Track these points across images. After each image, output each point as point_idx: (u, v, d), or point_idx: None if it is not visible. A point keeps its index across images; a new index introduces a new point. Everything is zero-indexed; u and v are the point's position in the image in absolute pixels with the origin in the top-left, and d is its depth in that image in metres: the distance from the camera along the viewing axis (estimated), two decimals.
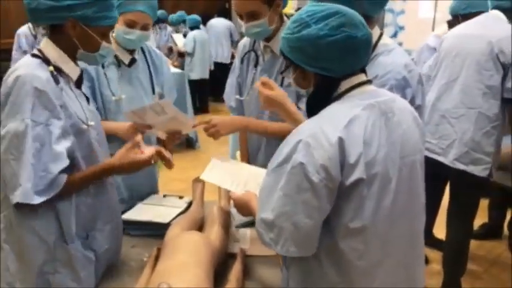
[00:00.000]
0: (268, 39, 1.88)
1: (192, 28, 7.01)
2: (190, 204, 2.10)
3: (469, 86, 2.48)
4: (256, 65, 1.90)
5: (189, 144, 5.66)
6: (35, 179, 1.33)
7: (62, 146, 1.38)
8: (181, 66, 6.94)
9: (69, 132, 1.42)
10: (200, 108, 7.27)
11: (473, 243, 3.07)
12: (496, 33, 2.45)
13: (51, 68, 1.43)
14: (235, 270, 1.55)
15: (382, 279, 1.22)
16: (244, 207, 1.49)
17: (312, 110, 1.27)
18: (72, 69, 1.51)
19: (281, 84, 1.80)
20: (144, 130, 1.87)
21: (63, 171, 1.39)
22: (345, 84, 1.24)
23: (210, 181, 1.80)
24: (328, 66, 1.21)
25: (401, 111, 1.26)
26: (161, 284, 1.25)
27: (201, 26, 7.21)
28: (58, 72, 1.45)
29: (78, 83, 1.56)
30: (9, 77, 1.39)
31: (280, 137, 1.70)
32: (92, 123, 1.51)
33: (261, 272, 1.64)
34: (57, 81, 1.42)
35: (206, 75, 7.15)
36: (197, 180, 2.15)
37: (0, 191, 1.45)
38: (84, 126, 1.48)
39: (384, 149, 1.17)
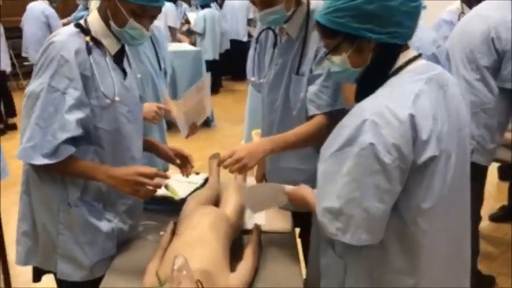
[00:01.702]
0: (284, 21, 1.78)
1: (202, 6, 6.86)
2: (206, 180, 2.11)
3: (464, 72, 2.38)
4: (274, 45, 1.81)
5: (204, 122, 5.66)
6: (42, 141, 1.38)
7: (74, 116, 1.40)
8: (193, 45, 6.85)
9: (85, 104, 1.43)
10: (211, 89, 7.22)
11: (491, 226, 3.04)
12: (497, 17, 2.32)
13: (88, 38, 1.46)
14: (251, 246, 1.55)
15: (441, 257, 1.19)
16: (299, 200, 1.44)
17: (366, 88, 1.20)
18: (111, 43, 1.52)
19: (297, 72, 1.72)
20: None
21: (74, 141, 1.41)
22: (402, 58, 1.18)
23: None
24: (397, 31, 1.14)
25: (452, 83, 1.21)
26: (177, 256, 1.25)
27: (214, 4, 7.06)
28: (95, 44, 1.48)
29: (118, 58, 1.57)
30: (46, 42, 1.44)
31: (307, 144, 1.68)
32: (118, 98, 1.50)
33: (276, 249, 1.64)
34: (89, 52, 1.44)
35: (217, 56, 7.03)
36: (214, 156, 2.15)
37: None
38: (108, 101, 1.48)
39: (446, 124, 1.13)
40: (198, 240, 1.44)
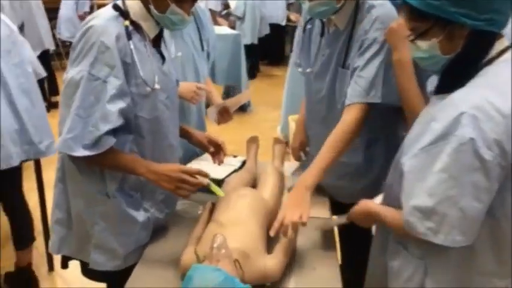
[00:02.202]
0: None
1: None
2: (243, 163, 2.12)
3: None
4: (322, 33, 1.74)
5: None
6: (82, 132, 1.33)
7: (116, 107, 1.35)
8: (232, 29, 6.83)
9: (126, 93, 1.38)
10: (248, 73, 7.22)
11: None
12: None
13: (127, 22, 1.39)
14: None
15: None
16: (365, 215, 1.37)
17: (453, 78, 1.12)
18: (150, 27, 1.46)
19: (343, 65, 1.66)
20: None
21: (114, 131, 1.36)
22: (497, 46, 1.10)
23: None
24: (494, 18, 1.06)
25: None
26: (217, 235, 1.26)
27: None
28: (135, 28, 1.42)
29: (156, 42, 1.52)
30: (85, 25, 1.39)
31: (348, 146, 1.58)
32: (158, 86, 1.46)
33: (312, 233, 1.63)
34: (129, 37, 1.38)
35: (255, 40, 6.98)
36: (251, 140, 2.16)
37: None
38: (148, 89, 1.44)
39: None
40: (236, 221, 1.45)
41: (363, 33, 1.60)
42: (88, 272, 1.57)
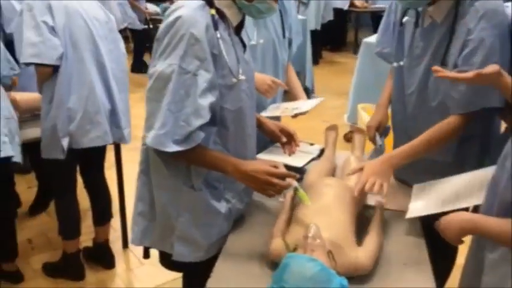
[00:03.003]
0: (428, 3, 1.60)
1: None
2: (321, 151, 2.09)
3: None
4: (416, 24, 1.66)
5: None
6: (173, 127, 1.30)
7: (207, 101, 1.32)
8: None
9: (215, 86, 1.35)
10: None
11: None
12: None
13: (213, 11, 1.36)
14: (375, 223, 1.51)
15: None
16: (459, 228, 1.26)
17: None
18: (233, 15, 1.43)
19: (442, 62, 1.56)
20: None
21: (202, 125, 1.34)
22: None
23: (418, 215, 1.56)
24: None
25: None
26: (310, 224, 1.25)
27: None
28: (219, 16, 1.38)
29: (238, 30, 1.49)
30: (170, 15, 1.34)
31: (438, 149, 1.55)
32: (243, 77, 1.44)
33: (398, 227, 1.59)
34: (216, 27, 1.34)
35: (319, 26, 6.87)
36: (330, 128, 2.13)
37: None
38: (234, 80, 1.41)
39: None
40: (324, 210, 1.43)
41: (465, 31, 1.49)
42: (166, 262, 1.59)
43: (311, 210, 1.44)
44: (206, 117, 1.33)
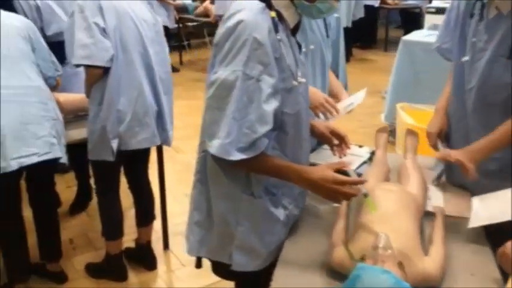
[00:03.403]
0: None
1: None
2: (371, 153, 2.04)
3: None
4: (481, 17, 1.58)
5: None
6: (238, 135, 1.27)
7: (271, 106, 1.28)
8: None
9: (278, 91, 1.31)
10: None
11: None
12: None
13: (274, 13, 1.31)
14: (438, 231, 1.45)
15: None
16: None
17: None
18: (291, 16, 1.39)
19: (509, 56, 1.49)
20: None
21: (266, 133, 1.30)
22: None
23: (483, 223, 1.50)
24: None
25: None
26: (380, 233, 1.20)
27: None
28: (278, 19, 1.34)
29: (294, 31, 1.45)
30: (230, 19, 1.30)
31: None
32: (303, 79, 1.40)
33: (461, 234, 1.53)
34: (276, 30, 1.30)
35: (350, 23, 6.77)
36: (381, 130, 2.07)
37: (202, 134, 1.46)
38: (295, 83, 1.38)
39: None
40: (389, 217, 1.37)
41: None
42: (221, 271, 1.56)
43: (374, 217, 1.39)
44: (271, 123, 1.29)
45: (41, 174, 2.29)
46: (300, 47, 1.49)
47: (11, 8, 2.58)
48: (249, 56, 1.25)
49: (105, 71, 2.15)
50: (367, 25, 7.68)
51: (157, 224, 2.84)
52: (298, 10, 1.40)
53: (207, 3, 6.93)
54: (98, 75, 2.16)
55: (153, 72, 2.30)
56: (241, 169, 1.38)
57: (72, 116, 2.61)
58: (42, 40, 2.30)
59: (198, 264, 1.63)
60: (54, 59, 2.40)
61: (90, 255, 2.81)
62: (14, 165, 2.02)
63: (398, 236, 1.30)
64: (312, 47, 1.94)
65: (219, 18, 6.23)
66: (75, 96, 2.67)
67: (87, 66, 2.14)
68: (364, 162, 1.97)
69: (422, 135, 1.89)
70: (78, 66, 2.16)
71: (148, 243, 2.70)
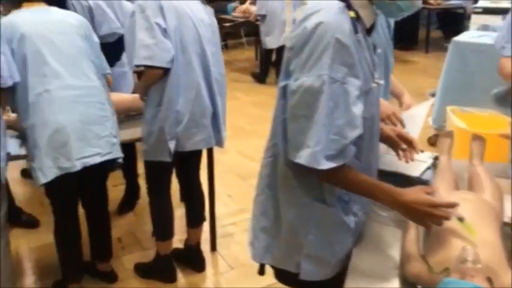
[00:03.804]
0: None
1: None
2: (435, 159, 1.96)
3: None
4: None
5: None
6: (325, 142, 1.21)
7: (359, 109, 1.23)
8: None
9: (363, 93, 1.26)
10: None
11: None
12: None
13: (353, 13, 1.26)
14: None
15: None
16: None
17: None
18: (368, 15, 1.33)
19: None
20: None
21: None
22: None
23: None
24: None
25: None
26: (467, 247, 1.14)
27: None
28: (356, 19, 1.28)
29: (369, 32, 1.39)
30: (308, 20, 1.24)
31: None
32: (382, 81, 1.35)
33: None
34: (356, 30, 1.25)
35: (392, 25, 6.64)
36: (445, 135, 1.99)
37: (271, 138, 1.42)
38: (374, 85, 1.32)
39: None
40: (476, 228, 1.30)
41: None
42: (284, 278, 1.52)
43: (454, 228, 1.32)
44: (361, 127, 1.23)
45: (98, 174, 2.30)
46: (374, 47, 1.43)
47: (64, 8, 2.60)
48: (333, 58, 1.19)
49: (165, 71, 2.14)
50: (408, 26, 7.52)
51: (204, 225, 2.82)
52: (376, 9, 1.35)
53: (247, 5, 6.91)
54: (157, 76, 2.14)
55: (210, 73, 2.28)
56: (327, 181, 1.32)
57: (123, 115, 2.62)
58: (96, 38, 2.30)
59: (261, 271, 1.59)
60: (103, 57, 2.41)
61: (139, 254, 2.81)
62: (78, 165, 2.03)
63: (483, 249, 1.23)
64: (379, 50, 1.87)
65: (259, 17, 6.21)
66: (127, 96, 2.68)
67: (147, 67, 2.13)
68: (428, 168, 1.90)
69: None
70: (138, 66, 2.15)
71: (198, 244, 2.69)
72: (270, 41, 6.10)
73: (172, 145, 2.22)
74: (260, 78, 6.46)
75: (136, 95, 2.70)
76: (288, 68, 1.29)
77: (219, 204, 3.03)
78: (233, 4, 7.18)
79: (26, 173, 3.52)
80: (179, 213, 2.72)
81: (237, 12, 6.95)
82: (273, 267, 1.53)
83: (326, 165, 1.22)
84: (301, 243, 1.40)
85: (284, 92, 1.30)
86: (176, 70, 2.16)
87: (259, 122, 5.00)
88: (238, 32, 8.25)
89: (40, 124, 2.00)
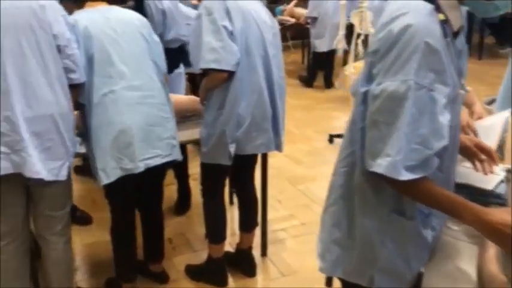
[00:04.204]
0: None
1: None
2: (508, 171, 1.85)
3: None
4: None
5: None
6: (407, 152, 1.14)
7: (446, 118, 1.16)
8: None
9: (450, 101, 1.19)
10: None
11: None
12: None
13: (442, 16, 1.19)
14: None
15: None
16: None
17: None
18: (457, 18, 1.26)
19: None
20: None
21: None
22: None
23: None
24: None
25: None
26: None
27: None
28: (445, 21, 1.22)
29: (456, 34, 1.31)
30: (394, 22, 1.17)
31: None
32: (469, 88, 1.29)
33: None
34: (445, 34, 1.18)
35: None
36: None
37: (348, 146, 1.36)
38: (462, 92, 1.26)
39: None
40: None
41: None
42: None
43: None
44: (447, 137, 1.17)
45: (156, 175, 2.30)
46: (460, 52, 1.35)
47: (141, 8, 2.61)
48: (420, 63, 1.13)
49: (230, 74, 2.12)
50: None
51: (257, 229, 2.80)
52: (469, 8, 1.28)
53: (291, 6, 6.87)
54: (222, 80, 2.12)
55: (272, 76, 2.25)
56: (404, 193, 1.26)
57: (180, 116, 2.62)
58: (156, 38, 2.28)
59: (329, 283, 1.54)
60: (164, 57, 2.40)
61: (189, 256, 2.81)
62: (141, 166, 2.04)
63: None
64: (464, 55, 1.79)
65: (310, 20, 6.14)
66: (184, 98, 2.68)
67: (214, 70, 2.11)
68: (501, 182, 1.79)
69: None
70: (205, 70, 2.14)
71: (250, 249, 2.66)
72: (320, 44, 6.03)
73: (232, 148, 2.20)
74: (307, 81, 6.39)
75: (192, 96, 2.70)
76: (371, 72, 1.23)
77: (269, 209, 3.00)
78: (281, 7, 7.15)
79: (79, 170, 3.58)
80: (228, 216, 2.69)
81: (286, 14, 6.91)
82: (342, 280, 1.47)
83: (406, 176, 1.15)
84: (375, 256, 1.34)
85: (364, 98, 1.25)
86: (240, 73, 2.14)
87: (306, 126, 4.94)
88: (284, 35, 8.22)
89: (105, 124, 2.02)
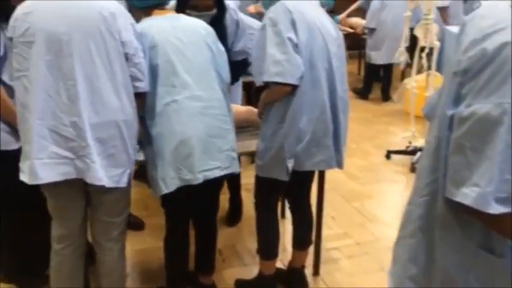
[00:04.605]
0: None
1: None
2: None
3: None
4: None
5: None
6: (498, 183, 1.04)
7: None
8: None
9: None
10: None
11: None
12: None
13: None
14: None
15: None
16: None
17: None
18: None
19: None
20: None
21: None
22: None
23: None
24: None
25: None
26: None
27: None
28: None
29: None
30: (488, 40, 1.07)
31: None
32: None
33: None
34: None
35: None
36: None
37: (429, 174, 1.24)
38: None
39: None
40: None
41: None
42: None
43: None
44: None
45: (213, 187, 2.27)
46: None
47: (222, 18, 2.59)
48: None
49: (293, 88, 2.06)
50: None
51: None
52: None
53: (343, 16, 6.74)
54: (285, 93, 2.06)
55: (336, 90, 2.17)
56: (491, 228, 1.14)
57: (236, 127, 2.58)
58: (222, 47, 2.25)
59: None
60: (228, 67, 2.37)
61: (239, 269, 2.75)
62: (200, 178, 2.01)
63: None
64: None
65: (367, 30, 6.00)
66: (242, 108, 2.64)
67: (277, 84, 2.05)
68: None
69: None
70: (267, 83, 2.09)
71: (303, 267, 2.57)
72: (376, 56, 5.88)
73: (290, 164, 2.14)
74: (363, 94, 6.24)
75: (250, 107, 2.65)
76: (459, 93, 1.13)
77: (323, 226, 2.91)
78: (338, 16, 7.03)
79: (135, 175, 3.61)
80: (280, 230, 2.62)
81: (343, 24, 6.79)
82: None
83: (496, 209, 1.04)
84: None
85: (451, 123, 1.15)
86: (303, 86, 2.06)
87: (362, 140, 4.80)
88: None
89: (167, 134, 2.00)
